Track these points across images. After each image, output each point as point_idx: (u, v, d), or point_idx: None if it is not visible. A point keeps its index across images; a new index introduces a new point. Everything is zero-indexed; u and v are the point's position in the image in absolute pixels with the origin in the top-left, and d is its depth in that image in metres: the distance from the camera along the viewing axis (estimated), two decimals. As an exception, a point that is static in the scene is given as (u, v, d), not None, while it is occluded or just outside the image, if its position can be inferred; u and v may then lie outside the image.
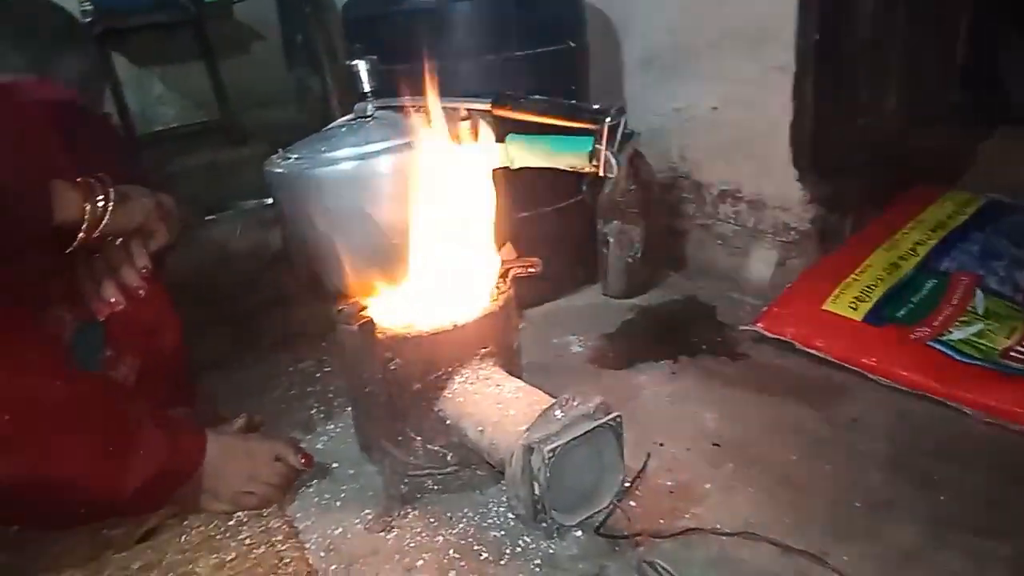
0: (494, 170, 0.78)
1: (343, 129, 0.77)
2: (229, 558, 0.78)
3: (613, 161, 0.72)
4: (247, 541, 0.80)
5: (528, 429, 0.66)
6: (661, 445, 0.92)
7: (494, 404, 0.74)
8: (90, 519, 0.81)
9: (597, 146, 0.72)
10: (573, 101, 0.75)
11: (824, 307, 1.07)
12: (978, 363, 0.94)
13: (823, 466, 0.86)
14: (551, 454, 0.64)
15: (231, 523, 0.83)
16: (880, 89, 1.19)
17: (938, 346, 0.97)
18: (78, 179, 0.74)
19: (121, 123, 2.07)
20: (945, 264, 1.10)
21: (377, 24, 1.27)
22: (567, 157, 0.74)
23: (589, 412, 0.68)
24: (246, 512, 0.85)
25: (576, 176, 1.30)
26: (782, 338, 1.08)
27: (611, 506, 0.71)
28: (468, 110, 0.77)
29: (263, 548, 0.79)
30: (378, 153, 0.71)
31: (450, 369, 0.78)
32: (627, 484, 0.75)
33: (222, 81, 2.19)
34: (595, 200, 1.33)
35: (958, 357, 0.95)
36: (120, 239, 0.78)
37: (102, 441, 0.74)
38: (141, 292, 0.79)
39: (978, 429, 0.89)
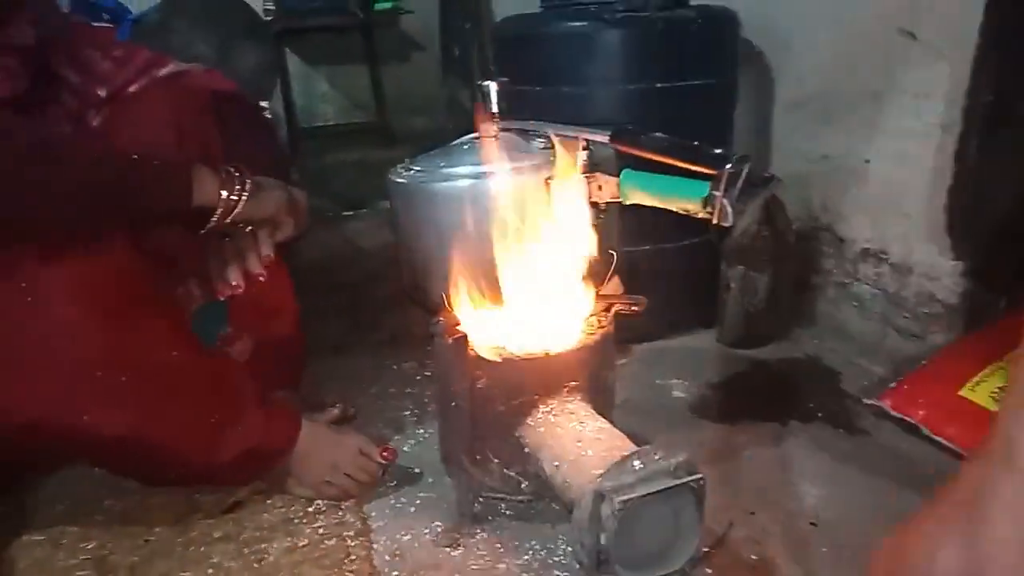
0: (610, 203, 0.76)
1: (465, 147, 0.78)
2: (301, 543, 0.81)
3: (729, 210, 0.68)
4: (320, 530, 0.83)
5: (602, 475, 0.64)
6: (752, 514, 0.86)
7: (574, 441, 0.72)
8: (184, 482, 0.87)
9: (714, 192, 0.68)
10: (696, 143, 0.71)
11: (961, 392, 0.97)
12: None
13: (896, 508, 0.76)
14: (621, 506, 0.62)
15: (309, 509, 0.87)
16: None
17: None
18: (220, 168, 0.80)
19: (286, 115, 2.24)
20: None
21: (525, 44, 1.29)
22: (681, 201, 0.71)
23: (670, 468, 0.65)
24: (325, 501, 0.88)
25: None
26: (909, 419, 0.98)
27: (682, 572, 0.67)
28: (587, 140, 0.75)
29: (334, 540, 0.81)
30: (492, 174, 0.71)
31: (536, 397, 0.77)
32: (702, 551, 0.71)
33: (381, 85, 2.31)
34: (722, 242, 1.28)
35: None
36: (250, 227, 0.84)
37: (205, 410, 0.79)
38: (262, 278, 0.84)
39: None
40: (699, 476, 0.65)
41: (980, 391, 0.96)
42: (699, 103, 1.22)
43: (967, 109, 1.02)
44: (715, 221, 0.68)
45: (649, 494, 0.63)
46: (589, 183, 0.75)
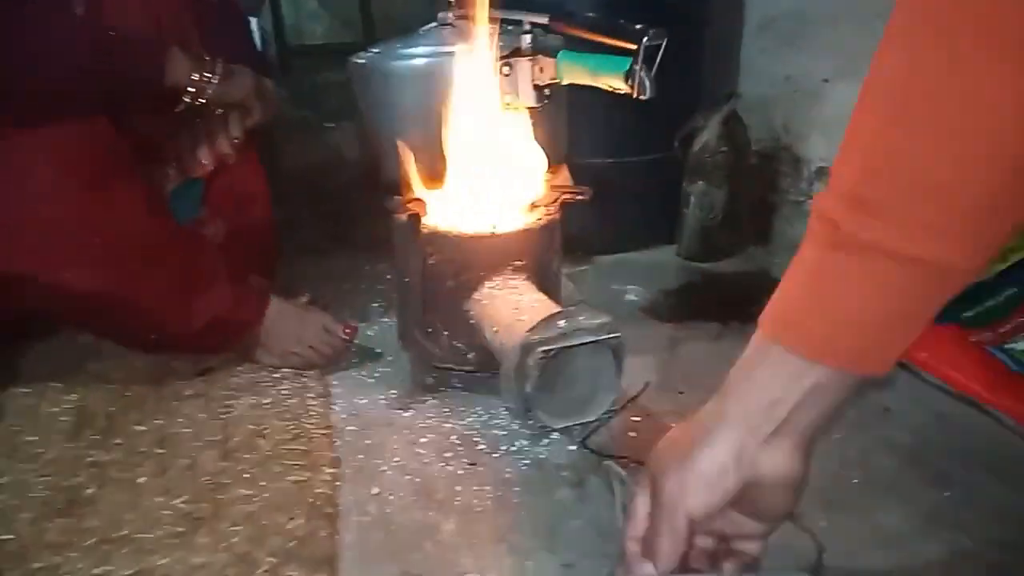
0: (551, 84, 0.81)
1: (424, 32, 0.83)
2: (265, 401, 0.89)
3: (647, 83, 0.73)
4: (284, 392, 0.91)
5: (530, 331, 0.71)
6: (680, 393, 0.93)
7: (511, 309, 0.79)
8: (161, 347, 0.94)
9: (633, 66, 0.73)
10: (621, 20, 0.76)
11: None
12: (1036, 377, 0.88)
13: (836, 442, 0.84)
14: (543, 355, 0.69)
15: (275, 375, 0.94)
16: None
17: (996, 353, 0.92)
18: (193, 52, 0.85)
19: (275, 32, 2.25)
20: (1034, 275, 1.03)
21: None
22: (607, 77, 0.76)
23: (592, 327, 0.72)
24: (291, 370, 0.95)
25: (673, 128, 1.32)
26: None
27: (598, 423, 0.75)
28: (530, 23, 0.80)
29: (296, 400, 0.89)
30: (441, 55, 0.76)
31: (482, 274, 0.84)
32: (617, 408, 0.78)
33: (369, 5, 2.32)
34: (685, 157, 1.33)
35: (1014, 367, 0.90)
36: (221, 110, 0.89)
37: (177, 277, 0.86)
38: (230, 159, 0.90)
39: (1015, 441, 0.84)
40: (617, 335, 0.72)
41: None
42: (670, 19, 1.25)
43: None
44: (634, 95, 0.74)
45: (570, 347, 0.70)
46: (532, 66, 0.80)
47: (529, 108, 0.81)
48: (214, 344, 0.93)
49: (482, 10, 0.76)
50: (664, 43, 0.72)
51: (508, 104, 0.80)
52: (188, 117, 0.89)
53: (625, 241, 1.39)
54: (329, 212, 1.46)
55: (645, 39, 0.72)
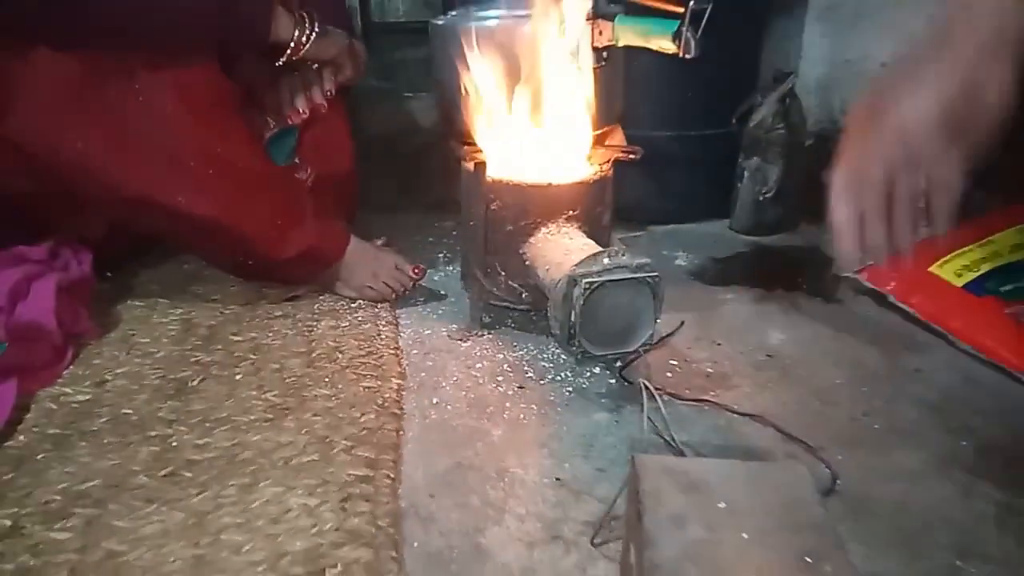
0: (609, 47, 0.89)
1: (496, 1, 0.93)
2: (343, 324, 1.00)
3: (692, 43, 0.80)
4: (359, 318, 1.02)
5: (576, 265, 0.79)
6: (718, 344, 1.00)
7: (563, 251, 0.88)
8: (256, 275, 1.07)
9: (681, 27, 0.80)
10: None
11: (930, 269, 1.08)
12: (1067, 348, 0.92)
13: (864, 394, 0.90)
14: (587, 287, 0.78)
15: (352, 305, 1.06)
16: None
17: (1030, 324, 0.96)
18: (295, 11, 0.97)
19: (360, 8, 2.38)
20: (1075, 254, 1.05)
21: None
22: (658, 38, 0.83)
23: (633, 265, 0.80)
24: (366, 301, 1.07)
25: (732, 106, 1.37)
26: (880, 290, 1.10)
27: (635, 355, 0.83)
28: None
29: (369, 325, 1.00)
30: (511, 19, 0.85)
31: (539, 220, 0.93)
32: (653, 343, 0.86)
33: (450, -14, 2.42)
34: (741, 133, 1.38)
35: (1048, 338, 0.94)
36: (316, 65, 1.01)
37: (274, 210, 0.98)
38: (323, 108, 1.02)
39: (1038, 403, 0.88)
40: (655, 274, 0.80)
41: (947, 268, 1.07)
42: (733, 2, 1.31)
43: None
44: (681, 54, 0.81)
45: (612, 281, 0.78)
46: (592, 29, 0.88)
47: (589, 69, 0.89)
48: (302, 274, 1.05)
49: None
50: (710, 6, 0.79)
51: (569, 65, 0.89)
52: (287, 70, 1.00)
53: (680, 213, 1.46)
54: (405, 173, 1.57)
55: (692, 2, 0.79)
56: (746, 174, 1.37)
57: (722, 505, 0.50)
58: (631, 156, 0.96)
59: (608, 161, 0.97)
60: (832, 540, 0.47)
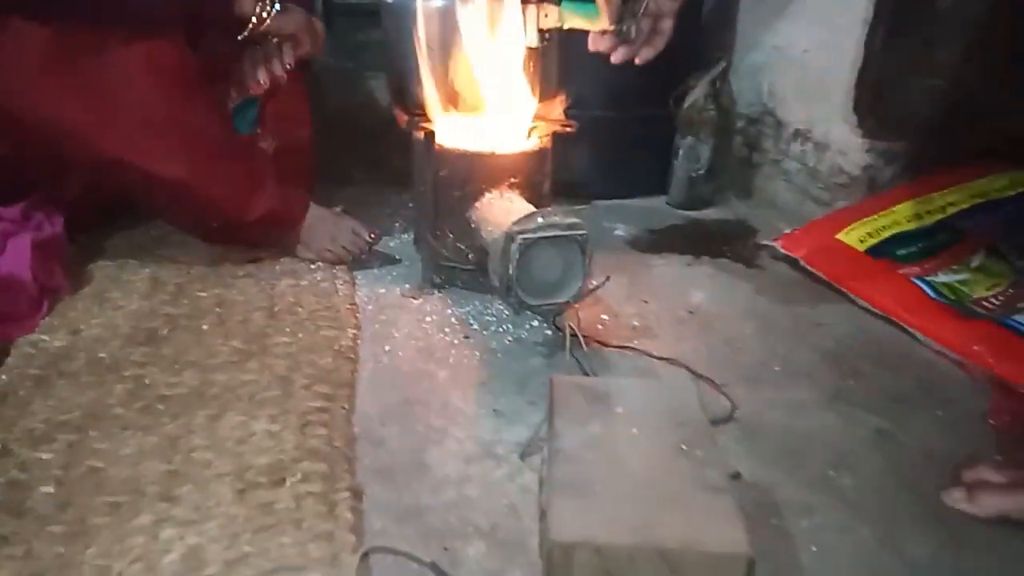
0: (552, 28, 0.99)
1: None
2: (303, 282, 1.08)
3: (633, 29, 0.92)
4: (318, 277, 1.11)
5: (513, 223, 0.89)
6: (645, 302, 1.11)
7: (505, 214, 0.97)
8: (220, 238, 1.14)
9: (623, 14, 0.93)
10: None
11: (837, 236, 1.20)
12: (949, 303, 1.04)
13: (769, 342, 1.01)
14: (523, 242, 0.87)
15: (311, 267, 1.14)
16: (957, 53, 1.25)
17: (919, 283, 1.08)
18: (258, -11, 1.04)
19: (322, -10, 2.44)
20: (966, 224, 1.18)
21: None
22: (599, 22, 0.94)
23: (564, 224, 0.90)
24: (325, 263, 1.15)
25: (671, 88, 1.48)
26: (792, 255, 1.22)
27: (566, 304, 0.93)
28: None
29: (327, 283, 1.09)
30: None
31: (483, 186, 1.02)
32: (584, 295, 0.96)
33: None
34: (677, 114, 1.49)
35: (933, 295, 1.06)
36: (276, 40, 1.08)
37: (239, 174, 1.05)
38: (282, 80, 1.09)
39: (923, 352, 1.00)
40: (583, 232, 0.90)
41: (852, 235, 1.20)
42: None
43: (877, 5, 1.21)
44: (607, 30, 0.92)
45: (545, 237, 0.88)
46: (538, 11, 0.97)
47: (531, 48, 0.99)
48: (264, 236, 1.13)
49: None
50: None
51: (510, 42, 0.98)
52: (249, 44, 1.08)
53: (622, 188, 1.56)
54: (364, 148, 1.65)
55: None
56: (681, 152, 1.48)
57: (619, 410, 0.60)
58: (567, 129, 1.06)
59: (548, 134, 1.06)
60: (705, 433, 0.57)
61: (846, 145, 1.34)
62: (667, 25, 0.98)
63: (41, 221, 1.04)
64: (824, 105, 1.37)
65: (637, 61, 0.99)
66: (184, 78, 0.99)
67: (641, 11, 0.94)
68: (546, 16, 0.98)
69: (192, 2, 0.98)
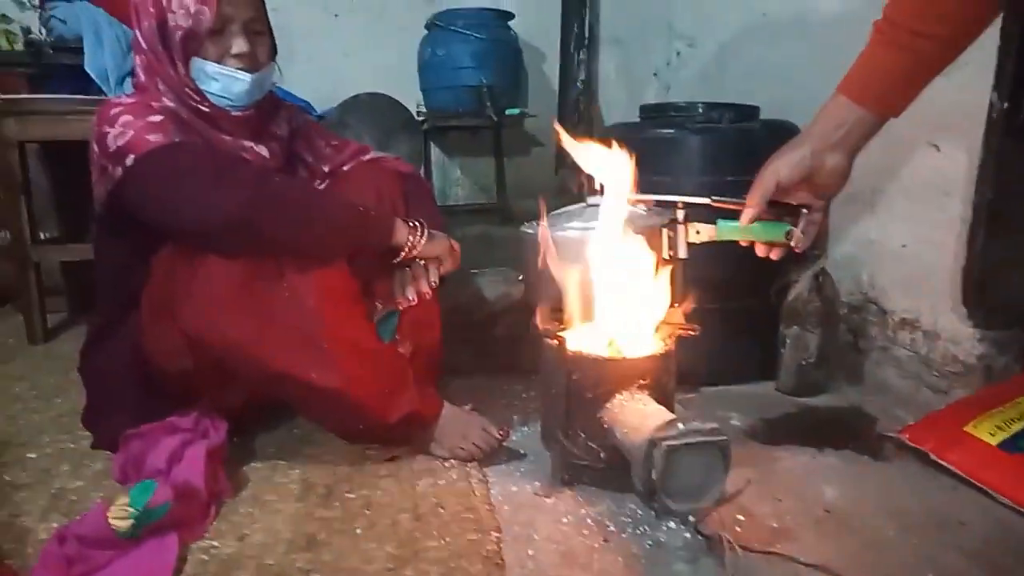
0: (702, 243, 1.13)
1: (576, 211, 1.14)
2: (440, 482, 1.14)
3: (803, 239, 1.10)
4: (453, 476, 1.16)
5: (655, 430, 0.93)
6: (779, 500, 1.11)
7: (639, 416, 1.02)
8: (362, 437, 1.22)
9: (792, 228, 1.10)
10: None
11: (965, 428, 1.19)
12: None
13: (914, 543, 0.99)
14: (667, 449, 0.91)
15: (446, 464, 1.20)
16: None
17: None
18: (408, 220, 1.19)
19: (426, 195, 2.71)
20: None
21: (628, 144, 1.66)
22: (770, 236, 1.11)
23: (705, 430, 0.94)
24: (456, 461, 1.20)
25: (769, 281, 1.55)
26: (921, 448, 1.21)
27: (707, 511, 0.95)
28: (684, 204, 1.11)
29: (463, 483, 1.14)
30: (590, 230, 1.06)
31: (613, 389, 1.08)
32: (724, 499, 0.97)
33: (504, 173, 2.74)
34: (781, 306, 1.55)
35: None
36: (423, 261, 1.22)
37: (384, 380, 1.14)
38: (428, 297, 1.21)
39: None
40: (725, 438, 0.93)
41: (981, 428, 1.19)
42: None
43: (976, 206, 1.29)
44: (797, 249, 1.11)
45: (687, 444, 0.92)
46: (688, 229, 1.10)
47: (678, 260, 1.11)
48: (402, 435, 1.20)
49: (623, 193, 1.07)
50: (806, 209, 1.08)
51: (669, 257, 1.12)
52: (400, 265, 1.21)
53: (727, 375, 1.60)
54: (478, 341, 1.75)
55: (804, 211, 1.08)
56: (788, 341, 1.53)
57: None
58: (691, 332, 1.13)
59: (672, 336, 1.13)
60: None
61: (957, 334, 1.36)
62: (818, 218, 1.12)
63: (208, 428, 1.14)
64: (929, 296, 1.42)
65: (797, 251, 1.13)
66: (346, 299, 1.12)
67: (804, 215, 1.10)
68: (698, 232, 1.09)
69: (359, 238, 1.13)
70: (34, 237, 1.88)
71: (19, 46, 2.09)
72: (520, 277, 1.24)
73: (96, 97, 1.86)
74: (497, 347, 1.74)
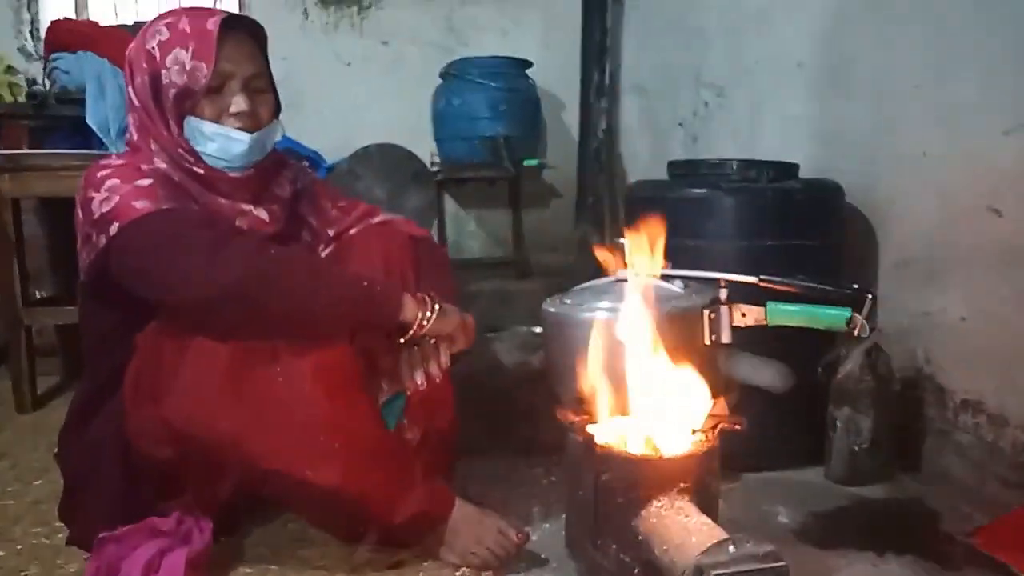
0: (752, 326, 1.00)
1: (603, 288, 1.02)
2: (450, 597, 0.99)
3: (867, 326, 0.95)
4: (466, 590, 1.02)
5: (702, 554, 0.79)
6: (842, 624, 0.96)
7: (680, 530, 0.88)
8: (362, 538, 1.08)
9: (855, 314, 0.95)
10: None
11: (1052, 537, 1.04)
12: None
13: None
14: (716, 579, 0.77)
15: (456, 573, 1.05)
16: None
17: None
18: (419, 294, 1.07)
19: (439, 248, 2.60)
20: None
21: (655, 204, 1.54)
22: (828, 321, 0.99)
23: (759, 554, 0.79)
24: (469, 569, 1.06)
25: (816, 357, 1.42)
26: (997, 558, 1.06)
27: (766, 647, 0.80)
28: (727, 282, 0.98)
29: (477, 598, 0.99)
30: (616, 309, 0.94)
31: (651, 493, 0.94)
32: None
33: (521, 226, 2.64)
34: (829, 384, 1.41)
35: None
36: (433, 340, 1.09)
37: (389, 477, 1.01)
38: (438, 380, 1.09)
39: None
40: (783, 563, 0.79)
41: (1070, 538, 1.03)
42: (806, 260, 1.40)
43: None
44: (857, 334, 1.00)
45: (739, 572, 0.77)
46: (732, 311, 0.97)
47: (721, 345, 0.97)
48: (408, 537, 1.07)
49: (653, 270, 0.94)
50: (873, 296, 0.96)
51: (712, 341, 0.98)
52: (408, 344, 1.09)
53: (771, 460, 1.45)
54: (492, 415, 1.62)
55: (869, 296, 0.97)
56: (839, 424, 1.38)
57: None
58: (736, 427, 0.99)
59: (715, 430, 0.99)
60: None
61: (1030, 421, 1.21)
62: None
63: (190, 529, 1.01)
64: (993, 376, 1.27)
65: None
66: (346, 380, 1.00)
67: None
68: (743, 315, 0.97)
69: (362, 314, 1.01)
70: (27, 298, 1.78)
71: (23, 98, 2.03)
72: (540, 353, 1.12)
73: (94, 152, 1.79)
74: (515, 421, 1.60)
